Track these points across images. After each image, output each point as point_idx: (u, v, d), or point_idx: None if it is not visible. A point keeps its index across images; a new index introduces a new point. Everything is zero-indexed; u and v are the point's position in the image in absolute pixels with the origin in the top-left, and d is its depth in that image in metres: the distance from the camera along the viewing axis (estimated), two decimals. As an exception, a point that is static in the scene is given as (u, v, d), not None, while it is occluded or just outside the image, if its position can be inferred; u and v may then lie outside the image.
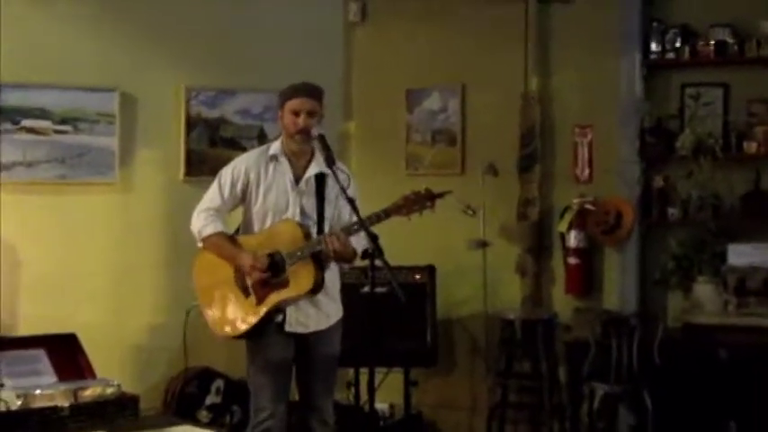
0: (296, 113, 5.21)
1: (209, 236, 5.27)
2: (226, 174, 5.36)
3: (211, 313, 5.33)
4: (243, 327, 5.22)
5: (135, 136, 7.08)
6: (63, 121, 6.80)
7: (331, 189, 5.26)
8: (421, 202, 5.03)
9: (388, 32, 7.92)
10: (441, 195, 5.07)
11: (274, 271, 5.15)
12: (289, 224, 5.21)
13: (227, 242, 5.29)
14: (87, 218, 6.92)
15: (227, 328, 5.28)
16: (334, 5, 7.94)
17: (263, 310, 5.16)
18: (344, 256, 5.13)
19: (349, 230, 5.06)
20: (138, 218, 7.10)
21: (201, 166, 7.20)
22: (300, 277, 5.13)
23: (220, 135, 7.35)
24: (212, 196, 5.34)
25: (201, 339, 6.81)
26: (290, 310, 5.22)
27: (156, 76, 7.14)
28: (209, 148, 7.30)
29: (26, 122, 6.69)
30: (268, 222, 5.27)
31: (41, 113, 6.75)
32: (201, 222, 5.29)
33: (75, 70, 6.83)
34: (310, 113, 5.21)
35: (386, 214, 5.03)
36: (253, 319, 5.18)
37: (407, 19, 7.84)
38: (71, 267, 6.81)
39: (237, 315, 5.23)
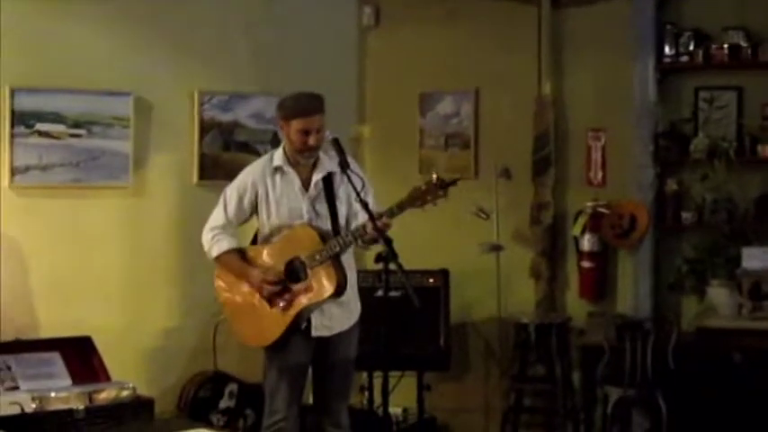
0: (305, 132, 5.19)
1: (218, 256, 5.32)
2: (231, 192, 5.36)
3: (239, 325, 5.38)
4: (271, 337, 5.24)
5: (149, 140, 7.07)
6: (77, 125, 6.79)
7: (340, 188, 5.25)
8: (433, 191, 4.95)
9: (401, 36, 7.92)
10: (453, 183, 5.00)
11: (295, 277, 5.15)
12: (304, 229, 5.21)
13: (236, 260, 5.32)
14: (101, 221, 6.92)
15: (256, 340, 5.32)
16: (348, 9, 7.94)
17: (289, 318, 5.17)
18: (374, 239, 5.05)
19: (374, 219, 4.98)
20: (151, 221, 7.10)
21: (215, 170, 7.20)
22: (323, 281, 5.14)
23: (234, 139, 7.35)
24: (217, 215, 5.37)
25: (216, 343, 6.87)
26: (314, 315, 5.22)
27: (171, 81, 7.14)
28: (222, 152, 7.30)
29: (40, 126, 6.69)
30: (284, 231, 5.27)
31: (56, 117, 6.74)
32: (208, 244, 5.36)
33: (90, 74, 6.83)
34: (319, 130, 5.20)
35: (399, 208, 4.99)
36: (280, 329, 5.20)
37: (421, 23, 7.84)
38: (85, 271, 6.81)
39: (264, 326, 5.25)
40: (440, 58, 7.78)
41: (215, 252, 5.33)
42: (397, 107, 7.92)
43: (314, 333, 5.23)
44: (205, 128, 7.26)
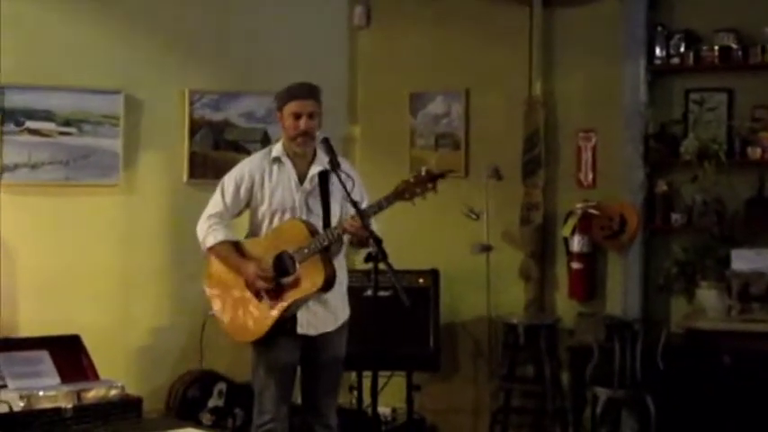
0: (297, 116, 5.20)
1: (212, 246, 5.28)
2: (228, 180, 5.36)
3: (227, 319, 5.35)
4: (259, 331, 5.22)
5: (139, 138, 7.07)
6: (67, 123, 6.78)
7: (335, 186, 5.23)
8: (422, 184, 4.94)
9: (392, 36, 7.92)
10: (441, 175, 4.99)
11: (284, 271, 5.14)
12: (294, 223, 5.20)
13: (230, 251, 5.28)
14: (91, 220, 6.91)
15: (244, 334, 5.28)
16: (339, 9, 7.93)
17: (277, 312, 5.16)
18: (361, 238, 5.03)
19: (362, 217, 4.98)
20: (141, 220, 7.09)
21: (205, 168, 7.20)
22: (311, 274, 5.12)
23: (224, 138, 7.34)
24: (214, 202, 5.35)
25: (205, 342, 6.86)
26: (300, 312, 5.21)
27: (161, 79, 7.13)
28: (212, 150, 7.30)
29: (30, 124, 6.68)
30: (275, 223, 5.26)
31: (46, 115, 6.73)
32: (204, 232, 5.30)
33: (80, 72, 6.82)
34: (311, 115, 5.21)
35: (387, 201, 4.97)
36: (268, 323, 5.18)
37: (412, 23, 7.85)
38: (75, 269, 6.80)
39: (253, 319, 5.23)
40: (431, 58, 7.78)
41: (210, 242, 5.28)
42: (388, 107, 7.92)
43: (299, 330, 5.22)
44: (195, 126, 7.25)
